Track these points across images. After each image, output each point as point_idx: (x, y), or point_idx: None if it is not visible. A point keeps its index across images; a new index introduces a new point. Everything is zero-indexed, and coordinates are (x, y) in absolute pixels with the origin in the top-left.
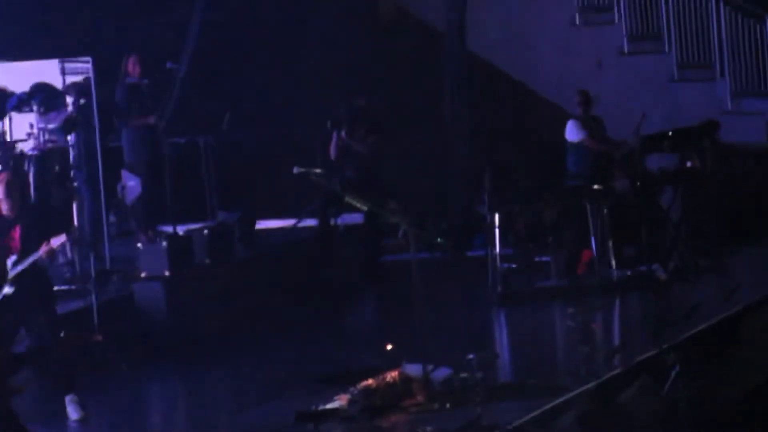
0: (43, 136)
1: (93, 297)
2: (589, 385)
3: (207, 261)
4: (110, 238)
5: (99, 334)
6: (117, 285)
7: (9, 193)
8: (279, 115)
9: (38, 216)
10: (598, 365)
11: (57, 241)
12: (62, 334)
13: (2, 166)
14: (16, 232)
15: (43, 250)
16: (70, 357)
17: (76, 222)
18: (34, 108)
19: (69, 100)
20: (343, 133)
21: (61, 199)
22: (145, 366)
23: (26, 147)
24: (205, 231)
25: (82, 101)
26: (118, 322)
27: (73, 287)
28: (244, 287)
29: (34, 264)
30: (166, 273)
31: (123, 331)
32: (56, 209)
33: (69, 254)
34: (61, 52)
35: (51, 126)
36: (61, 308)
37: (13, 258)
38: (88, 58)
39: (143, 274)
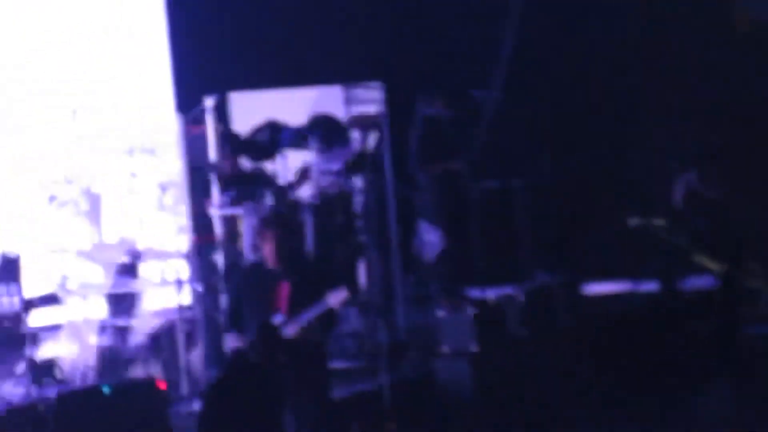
0: (324, 179)
1: (384, 376)
2: None
3: (523, 333)
4: (405, 303)
5: (392, 421)
6: (413, 362)
7: (276, 243)
8: (611, 154)
9: (312, 272)
10: None
11: (336, 298)
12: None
13: (274, 213)
14: (283, 289)
15: (318, 308)
16: None
17: (362, 283)
18: (313, 145)
19: (355, 135)
20: (692, 175)
21: (343, 255)
22: None
23: (303, 192)
24: (521, 296)
25: (370, 137)
26: (416, 408)
27: (359, 364)
28: (568, 365)
29: (307, 330)
30: (473, 348)
31: (421, 418)
32: (337, 266)
33: (354, 323)
34: (346, 76)
35: (333, 167)
36: (346, 390)
37: (279, 318)
38: (379, 84)
39: (445, 349)
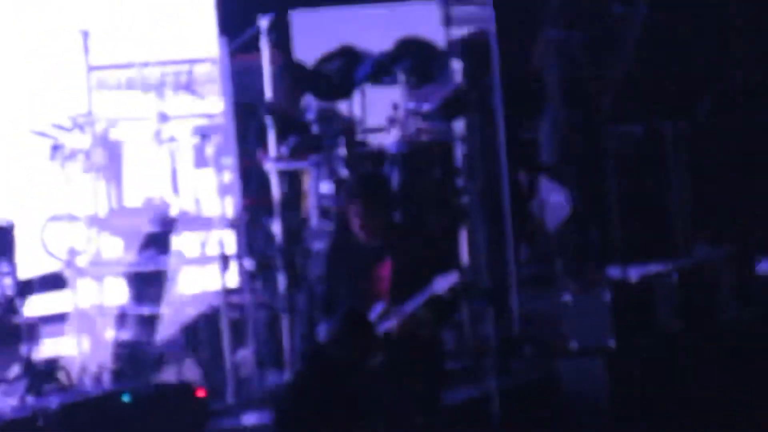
0: (414, 122)
1: (493, 380)
2: None
3: (676, 324)
4: (520, 285)
5: None
6: (531, 361)
7: (369, 210)
8: None
9: (413, 244)
10: None
11: (444, 283)
12: None
13: (350, 169)
14: (385, 269)
15: (423, 295)
16: None
17: (465, 259)
18: (401, 78)
19: (455, 65)
20: None
21: (441, 221)
22: None
23: (387, 140)
24: (674, 275)
25: (475, 67)
26: (535, 418)
27: (460, 364)
28: (736, 367)
29: (413, 322)
30: (610, 344)
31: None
32: (435, 236)
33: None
34: None
35: (426, 107)
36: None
37: (379, 308)
38: None
39: (573, 345)
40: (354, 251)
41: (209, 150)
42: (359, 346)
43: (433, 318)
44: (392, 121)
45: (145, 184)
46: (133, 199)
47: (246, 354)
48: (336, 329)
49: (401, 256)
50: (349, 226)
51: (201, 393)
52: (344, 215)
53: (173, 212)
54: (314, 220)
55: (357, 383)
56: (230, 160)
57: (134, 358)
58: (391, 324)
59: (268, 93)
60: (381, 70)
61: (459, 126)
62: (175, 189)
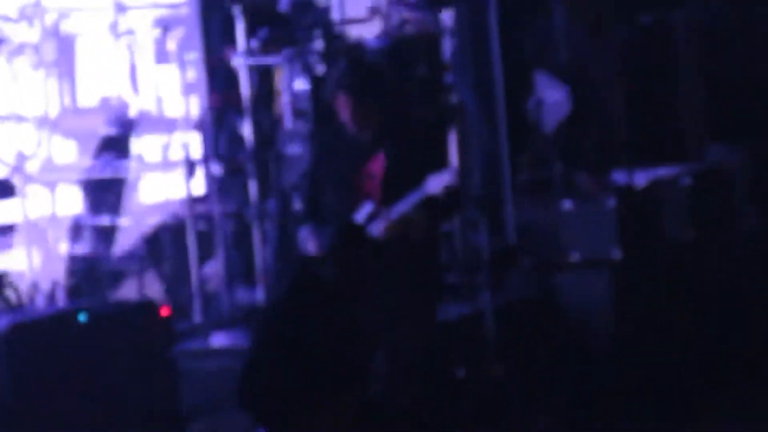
0: (398, 12)
1: (486, 296)
2: None
3: (687, 233)
4: (516, 192)
5: (497, 361)
6: (527, 275)
7: (360, 100)
8: None
9: (407, 137)
10: None
11: (437, 183)
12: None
13: (330, 63)
14: (376, 165)
15: (415, 197)
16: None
17: (455, 161)
18: None
19: None
20: None
21: (429, 120)
22: (575, 416)
23: (368, 31)
24: (685, 180)
25: None
26: (530, 339)
27: (451, 279)
28: (752, 279)
29: (407, 222)
30: (615, 255)
31: (538, 353)
32: (427, 134)
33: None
34: None
35: None
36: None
37: (368, 208)
38: None
39: (574, 257)
40: (343, 145)
41: (171, 44)
42: (357, 264)
43: (428, 219)
44: (374, 11)
45: (101, 81)
46: (88, 98)
47: (214, 268)
48: (331, 244)
49: (395, 150)
50: (337, 119)
51: (165, 311)
52: (331, 107)
53: (132, 112)
54: (288, 121)
55: (350, 303)
56: (195, 55)
57: (91, 273)
58: (382, 225)
59: None
60: None
61: (448, 16)
62: (135, 87)
